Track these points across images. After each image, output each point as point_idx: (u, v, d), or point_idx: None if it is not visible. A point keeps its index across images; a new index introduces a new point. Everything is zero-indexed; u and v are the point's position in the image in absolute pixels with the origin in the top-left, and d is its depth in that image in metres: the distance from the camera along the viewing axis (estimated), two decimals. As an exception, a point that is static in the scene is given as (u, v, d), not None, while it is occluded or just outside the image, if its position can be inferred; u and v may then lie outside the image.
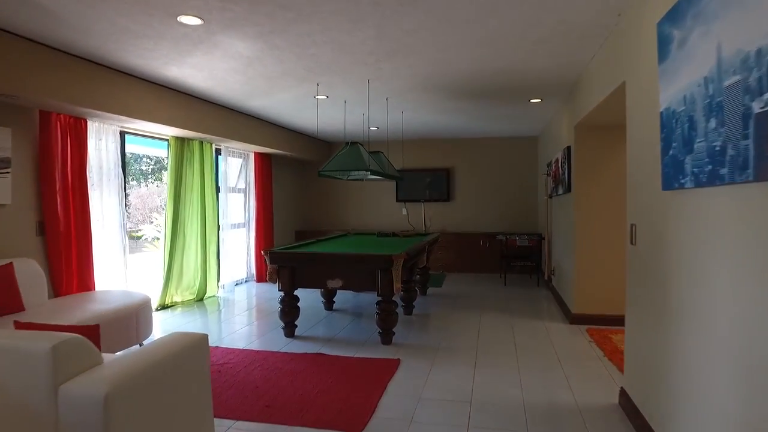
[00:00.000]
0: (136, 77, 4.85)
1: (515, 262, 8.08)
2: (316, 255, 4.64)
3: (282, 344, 4.63)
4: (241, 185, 8.06)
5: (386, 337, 4.62)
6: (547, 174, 7.38)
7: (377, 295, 4.59)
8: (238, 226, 7.93)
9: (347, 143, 5.31)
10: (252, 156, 8.10)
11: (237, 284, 7.89)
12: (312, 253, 4.67)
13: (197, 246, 6.59)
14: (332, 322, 5.51)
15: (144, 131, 5.68)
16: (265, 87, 5.33)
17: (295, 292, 4.88)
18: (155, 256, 9.55)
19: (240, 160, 8.00)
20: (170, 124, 5.34)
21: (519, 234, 8.54)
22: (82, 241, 4.64)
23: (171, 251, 6.13)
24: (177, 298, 6.35)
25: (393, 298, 4.58)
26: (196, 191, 6.54)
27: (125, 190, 5.39)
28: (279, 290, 4.81)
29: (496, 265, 9.01)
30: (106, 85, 4.48)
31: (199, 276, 6.64)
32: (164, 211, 6.16)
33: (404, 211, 9.93)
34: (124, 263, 5.34)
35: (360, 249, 5.24)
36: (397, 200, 9.92)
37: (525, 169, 9.46)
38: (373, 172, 5.15)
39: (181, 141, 6.21)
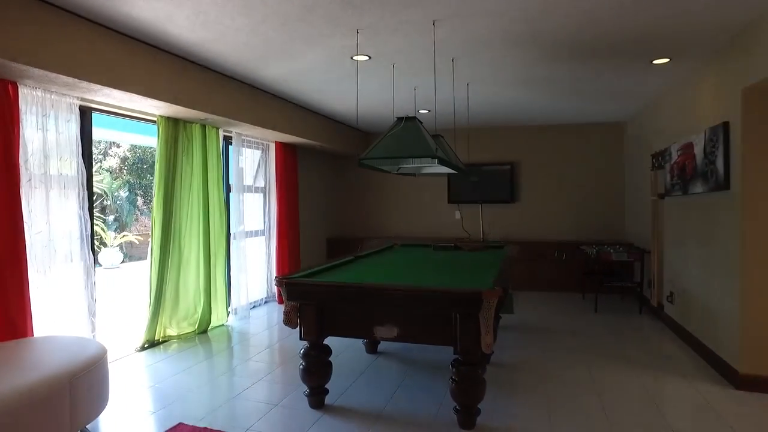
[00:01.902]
0: (90, 21, 3.31)
1: (609, 281, 6.26)
2: (360, 288, 2.98)
3: (305, 423, 3.01)
4: (260, 183, 6.52)
5: (468, 417, 2.93)
6: (657, 167, 5.55)
7: (454, 353, 2.91)
8: (256, 233, 6.38)
9: (400, 119, 3.65)
10: (273, 147, 6.54)
11: (254, 307, 6.33)
12: (352, 286, 3.02)
13: (199, 261, 5.05)
14: (378, 377, 3.86)
15: (119, 108, 4.16)
16: (281, 41, 3.72)
17: (326, 341, 3.25)
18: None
19: (258, 152, 6.45)
20: (152, 96, 3.80)
21: (611, 245, 6.72)
22: (8, 263, 3.12)
23: (161, 269, 4.60)
24: (172, 331, 4.82)
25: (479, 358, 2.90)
26: (197, 190, 4.99)
27: (89, 188, 3.88)
28: (301, 338, 3.19)
29: (573, 283, 7.20)
30: (41, 28, 2.95)
31: (202, 300, 5.09)
32: (150, 217, 4.62)
33: (458, 215, 8.21)
34: (86, 289, 3.82)
35: (420, 274, 3.56)
36: (449, 201, 8.21)
37: (607, 164, 7.60)
38: (441, 162, 3.47)
39: (174, 123, 4.68)
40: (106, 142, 13.86)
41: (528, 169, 7.93)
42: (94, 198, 13.21)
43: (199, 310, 5.06)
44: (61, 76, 3.04)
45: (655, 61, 4.33)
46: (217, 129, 5.26)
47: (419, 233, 8.38)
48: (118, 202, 15.59)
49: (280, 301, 6.57)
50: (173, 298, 4.79)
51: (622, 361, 4.16)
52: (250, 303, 6.16)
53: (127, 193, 16.06)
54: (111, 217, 15.15)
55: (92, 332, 3.88)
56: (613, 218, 7.57)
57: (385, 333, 3.02)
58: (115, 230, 14.63)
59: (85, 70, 3.22)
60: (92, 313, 3.87)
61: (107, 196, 15.06)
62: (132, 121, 4.60)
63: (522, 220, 7.94)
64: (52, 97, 3.45)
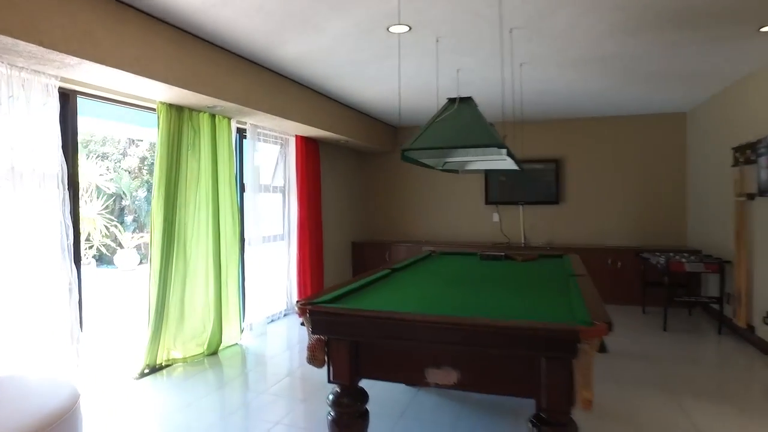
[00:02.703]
0: (72, -21, 2.64)
1: (679, 294, 5.41)
2: (409, 323, 2.24)
3: (335, 497, 2.29)
4: (279, 182, 5.84)
5: (554, 495, 2.17)
6: (743, 162, 4.70)
7: (538, 409, 2.15)
8: (274, 239, 5.69)
9: (452, 99, 2.89)
10: (292, 142, 5.85)
11: (271, 321, 5.64)
12: (398, 318, 2.27)
13: (208, 271, 4.38)
14: (423, 420, 3.12)
15: (109, 91, 3.49)
16: (301, 3, 3.01)
17: (362, 383, 2.52)
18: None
19: (276, 148, 5.77)
20: (145, 74, 3.12)
21: (676, 252, 5.86)
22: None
23: (162, 281, 3.92)
24: (177, 353, 4.15)
25: (571, 415, 2.14)
26: (206, 190, 4.32)
27: (73, 188, 3.22)
28: (330, 381, 2.46)
29: (631, 295, 6.35)
30: (-4, -20, 2.28)
31: (212, 317, 4.42)
32: (149, 221, 3.95)
33: (496, 218, 7.42)
34: (68, 309, 3.16)
35: (477, 297, 2.80)
36: (487, 202, 7.42)
37: (665, 160, 6.73)
38: (509, 154, 2.70)
39: (177, 112, 4.01)
40: (127, 141, 13.41)
41: (575, 166, 7.10)
42: (112, 199, 12.81)
43: (209, 328, 4.39)
44: (21, 42, 2.38)
45: (763, 29, 3.50)
46: (229, 119, 4.59)
47: (452, 237, 7.61)
48: (136, 203, 15.17)
49: (301, 314, 5.85)
50: (178, 315, 4.12)
51: (724, 401, 3.34)
52: (268, 317, 5.48)
53: (146, 193, 15.66)
54: (129, 218, 14.74)
55: (76, 362, 3.22)
56: (673, 222, 6.69)
57: (441, 378, 2.28)
58: (133, 231, 14.20)
59: (54, 36, 2.54)
60: (76, 339, 3.21)
61: (126, 196, 14.65)
62: (133, 111, 3.94)
63: (568, 224, 7.11)
64: (22, 75, 2.80)
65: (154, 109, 3.88)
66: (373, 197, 8.08)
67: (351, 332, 2.33)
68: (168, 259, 3.94)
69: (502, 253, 4.46)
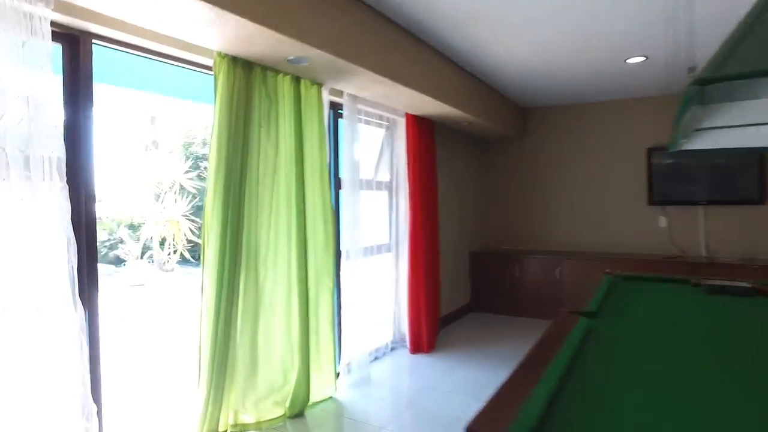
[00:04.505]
0: None
1: None
2: None
3: None
4: (383, 176, 4.51)
5: None
6: None
7: None
8: (378, 250, 4.36)
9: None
10: (401, 124, 4.49)
11: (375, 359, 4.31)
12: None
13: (290, 300, 3.11)
14: None
15: (138, 33, 2.32)
16: None
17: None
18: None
19: (381, 132, 4.45)
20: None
21: None
22: None
23: (223, 317, 2.69)
24: (248, 417, 2.92)
25: None
26: (286, 186, 3.06)
27: (84, 184, 2.07)
28: None
29: None
30: None
31: (297, 362, 3.14)
32: (201, 227, 2.72)
33: (663, 222, 5.53)
34: (79, 365, 2.01)
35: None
36: (651, 203, 5.56)
37: None
38: None
39: (243, 70, 2.77)
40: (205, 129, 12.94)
41: (793, 148, 5.03)
42: (195, 198, 12.27)
43: (292, 378, 3.12)
44: None
45: None
46: (320, 87, 3.30)
47: (601, 247, 5.83)
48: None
49: (415, 350, 4.47)
50: (248, 363, 2.89)
51: None
52: (370, 354, 4.15)
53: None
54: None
55: (85, 450, 2.06)
56: None
57: None
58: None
59: None
60: (87, 415, 2.05)
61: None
62: (186, 73, 2.78)
63: (784, 230, 5.06)
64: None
65: (209, 69, 2.68)
66: (493, 195, 6.51)
67: None
68: (231, 287, 2.72)
69: (747, 285, 2.72)
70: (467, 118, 4.69)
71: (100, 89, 2.33)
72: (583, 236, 5.98)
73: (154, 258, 10.78)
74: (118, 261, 14.67)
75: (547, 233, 6.17)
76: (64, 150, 1.95)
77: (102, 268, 13.49)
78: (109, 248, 15.70)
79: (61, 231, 1.96)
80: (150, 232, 11.44)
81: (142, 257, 13.39)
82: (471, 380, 3.75)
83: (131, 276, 11.27)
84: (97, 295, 2.24)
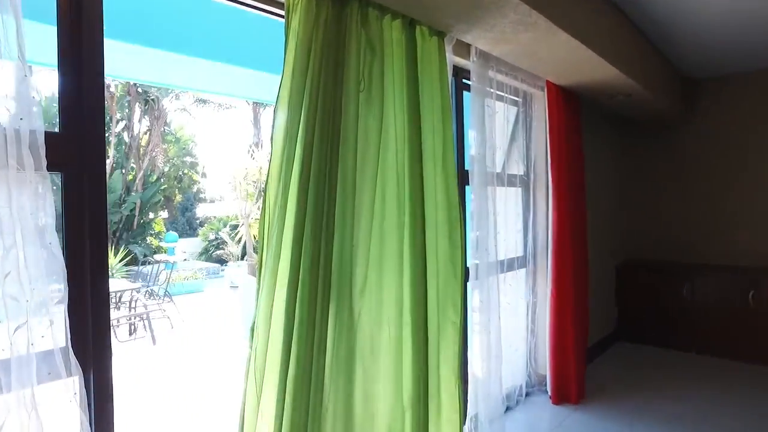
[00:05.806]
0: None
1: None
2: None
3: None
4: (515, 168, 3.45)
5: None
6: None
7: None
8: (507, 266, 3.30)
9: None
10: (540, 99, 3.40)
11: (508, 409, 3.26)
12: None
13: (402, 338, 2.17)
14: None
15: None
16: None
17: None
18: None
19: (513, 110, 3.40)
20: None
21: None
22: None
23: (299, 366, 1.81)
24: (341, 505, 2.03)
25: None
26: (396, 174, 2.12)
27: (87, 175, 1.28)
28: None
29: None
30: None
31: (409, 421, 2.20)
32: (260, 228, 1.79)
33: None
34: (76, 395, 1.21)
35: None
36: None
37: None
38: None
39: (333, 5, 1.88)
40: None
41: None
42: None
43: (403, 446, 2.19)
44: None
45: None
46: (442, 38, 2.33)
47: (755, 256, 4.29)
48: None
49: (558, 400, 3.36)
50: (343, 416, 2.00)
51: None
52: (499, 400, 3.10)
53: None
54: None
55: None
56: None
57: None
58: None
59: None
60: None
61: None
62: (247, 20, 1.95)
63: None
64: None
65: (279, 15, 1.80)
66: (644, 191, 5.14)
67: None
68: (312, 309, 1.82)
69: None
70: (631, 88, 3.48)
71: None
72: (742, 243, 4.47)
73: (247, 260, 10.54)
74: (222, 261, 14.89)
75: (716, 237, 4.69)
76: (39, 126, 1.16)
77: (210, 267, 13.71)
78: (216, 247, 16.06)
79: (48, 245, 1.18)
80: (244, 233, 11.26)
81: (242, 258, 13.38)
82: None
83: (230, 277, 11.18)
84: (108, 334, 1.46)
